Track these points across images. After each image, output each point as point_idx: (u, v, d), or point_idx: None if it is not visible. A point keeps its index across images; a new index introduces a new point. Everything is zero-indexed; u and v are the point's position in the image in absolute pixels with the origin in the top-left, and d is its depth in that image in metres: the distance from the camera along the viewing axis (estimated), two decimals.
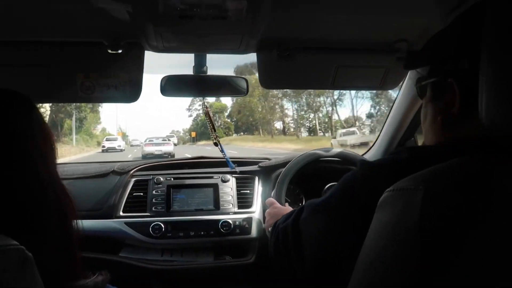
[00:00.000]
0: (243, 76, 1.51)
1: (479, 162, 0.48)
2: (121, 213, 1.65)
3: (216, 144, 1.70)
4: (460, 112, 0.66)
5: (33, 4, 1.00)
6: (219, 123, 53.66)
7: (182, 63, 1.51)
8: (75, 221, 0.77)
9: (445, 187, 0.46)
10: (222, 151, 1.73)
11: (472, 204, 0.44)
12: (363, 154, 2.01)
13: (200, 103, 1.64)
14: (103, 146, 27.30)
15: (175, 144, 31.74)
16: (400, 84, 1.67)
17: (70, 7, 1.03)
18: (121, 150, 26.33)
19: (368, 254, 0.54)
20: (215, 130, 1.68)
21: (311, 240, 0.80)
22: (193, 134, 47.40)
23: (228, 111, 58.90)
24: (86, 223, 1.58)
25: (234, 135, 53.53)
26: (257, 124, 49.52)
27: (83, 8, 1.04)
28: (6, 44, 1.19)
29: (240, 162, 1.93)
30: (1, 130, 0.65)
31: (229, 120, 58.36)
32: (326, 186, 1.81)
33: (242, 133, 52.83)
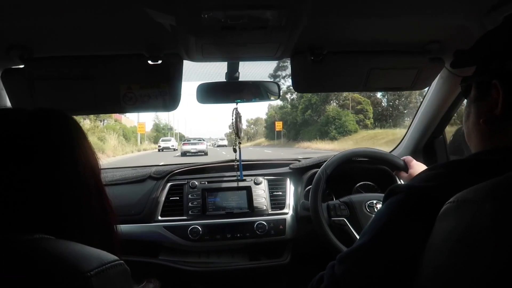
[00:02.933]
0: (275, 81, 1.55)
1: None
2: (159, 217, 1.69)
3: (235, 150, 1.72)
4: (503, 114, 0.67)
5: (77, 21, 1.05)
6: None
7: (215, 71, 1.53)
8: (116, 227, 0.81)
9: None
10: (236, 157, 1.75)
11: None
12: (391, 151, 2.02)
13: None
14: (159, 146, 32.23)
15: (225, 146, 40.34)
16: None
17: (114, 22, 1.08)
18: (174, 149, 31.01)
19: (431, 264, 0.57)
20: (239, 137, 1.70)
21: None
22: (279, 125, 41.35)
23: None
24: (127, 228, 1.64)
25: None
26: None
27: (127, 22, 1.08)
28: (53, 59, 1.24)
29: (271, 165, 1.96)
30: (52, 141, 0.68)
31: None
32: (357, 185, 1.83)
33: None
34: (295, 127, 42.18)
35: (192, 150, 25.22)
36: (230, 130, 1.72)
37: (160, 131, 56.20)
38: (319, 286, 0.78)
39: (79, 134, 0.74)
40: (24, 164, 0.60)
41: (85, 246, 0.53)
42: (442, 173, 0.71)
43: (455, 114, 1.80)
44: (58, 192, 0.63)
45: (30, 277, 0.45)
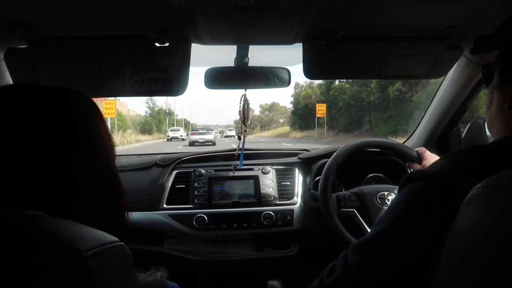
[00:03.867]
0: (285, 67, 1.50)
1: None
2: (164, 205, 1.67)
3: (239, 138, 1.67)
4: None
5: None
6: None
7: (223, 54, 1.49)
8: (127, 214, 0.78)
9: None
10: (240, 145, 1.69)
11: None
12: (403, 142, 1.96)
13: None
14: (168, 136, 33.15)
15: (233, 136, 38.75)
16: None
17: (119, 2, 1.04)
18: (183, 139, 31.83)
19: (454, 254, 0.53)
20: (245, 125, 1.66)
21: (377, 280, 0.70)
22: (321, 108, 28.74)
23: None
24: (132, 215, 1.61)
25: None
26: None
27: (133, 1, 1.04)
28: (58, 40, 1.21)
29: (279, 154, 1.92)
30: (69, 121, 0.65)
31: None
32: (367, 176, 1.78)
33: None
34: (351, 113, 29.81)
35: (200, 140, 25.64)
36: (239, 117, 1.67)
37: (155, 117, 50.34)
38: (331, 276, 0.75)
39: (96, 115, 0.71)
40: (38, 145, 0.57)
41: (84, 226, 0.49)
42: (463, 158, 0.68)
43: (470, 106, 1.74)
44: (70, 173, 0.60)
45: (22, 253, 0.42)
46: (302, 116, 38.73)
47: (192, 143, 24.94)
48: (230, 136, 42.89)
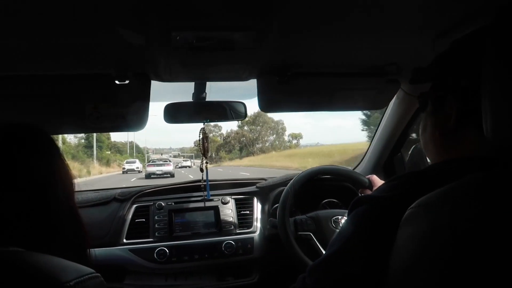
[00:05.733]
0: (241, 101, 1.58)
1: (496, 176, 0.56)
2: (124, 240, 1.65)
3: (201, 170, 1.71)
4: (456, 126, 0.74)
5: (41, 38, 1.03)
6: None
7: (181, 90, 1.55)
8: (89, 250, 0.79)
9: (473, 198, 0.53)
10: (203, 177, 1.73)
11: (496, 210, 0.51)
12: (354, 168, 2.09)
13: None
14: (124, 168, 31.87)
15: (189, 167, 37.56)
16: None
17: (82, 41, 1.07)
18: (139, 171, 29.98)
19: (397, 269, 0.60)
20: (205, 157, 1.70)
21: None
22: None
23: None
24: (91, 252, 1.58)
25: None
26: None
27: (96, 42, 1.08)
28: (16, 78, 1.21)
29: (237, 184, 1.97)
30: (27, 158, 0.67)
31: None
32: (323, 202, 1.87)
33: None
34: None
35: (158, 172, 23.90)
36: (194, 146, 1.68)
37: (90, 142, 40.96)
38: None
39: (56, 153, 0.73)
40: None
41: (62, 259, 0.52)
42: (402, 183, 0.76)
43: (411, 133, 1.91)
44: (30, 209, 0.62)
45: (12, 286, 0.44)
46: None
47: (148, 176, 23.20)
48: (186, 167, 40.23)
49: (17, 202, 0.59)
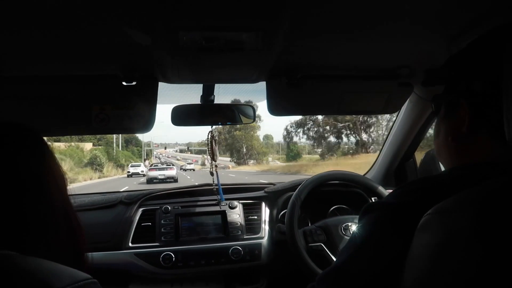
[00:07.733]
0: (250, 104, 1.56)
1: None
2: (130, 244, 1.63)
3: (211, 174, 1.70)
4: (469, 131, 0.71)
5: (47, 39, 1.02)
6: None
7: (190, 91, 1.53)
8: (86, 254, 0.77)
9: (500, 202, 0.50)
10: (214, 180, 1.72)
11: None
12: (364, 174, 2.05)
13: None
14: (128, 172, 31.51)
15: (193, 170, 37.20)
16: None
17: (89, 41, 1.06)
18: (144, 175, 28.57)
19: (412, 277, 0.57)
20: (214, 160, 1.69)
21: None
22: None
23: None
24: (96, 256, 1.56)
25: None
26: None
27: (103, 42, 1.06)
28: (22, 79, 1.20)
29: (245, 189, 1.94)
30: (20, 160, 0.65)
31: None
32: (332, 208, 1.83)
33: None
34: None
35: (160, 177, 22.95)
36: (202, 141, 1.66)
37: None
38: None
39: (47, 153, 0.71)
40: None
41: (56, 264, 0.50)
42: (416, 188, 0.73)
43: (423, 139, 1.86)
44: (23, 211, 0.60)
45: None
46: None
47: (150, 181, 22.19)
48: (190, 170, 38.74)
49: (7, 203, 0.57)
